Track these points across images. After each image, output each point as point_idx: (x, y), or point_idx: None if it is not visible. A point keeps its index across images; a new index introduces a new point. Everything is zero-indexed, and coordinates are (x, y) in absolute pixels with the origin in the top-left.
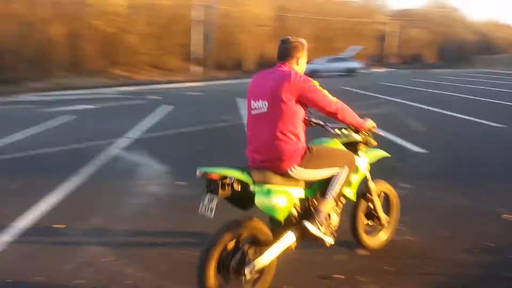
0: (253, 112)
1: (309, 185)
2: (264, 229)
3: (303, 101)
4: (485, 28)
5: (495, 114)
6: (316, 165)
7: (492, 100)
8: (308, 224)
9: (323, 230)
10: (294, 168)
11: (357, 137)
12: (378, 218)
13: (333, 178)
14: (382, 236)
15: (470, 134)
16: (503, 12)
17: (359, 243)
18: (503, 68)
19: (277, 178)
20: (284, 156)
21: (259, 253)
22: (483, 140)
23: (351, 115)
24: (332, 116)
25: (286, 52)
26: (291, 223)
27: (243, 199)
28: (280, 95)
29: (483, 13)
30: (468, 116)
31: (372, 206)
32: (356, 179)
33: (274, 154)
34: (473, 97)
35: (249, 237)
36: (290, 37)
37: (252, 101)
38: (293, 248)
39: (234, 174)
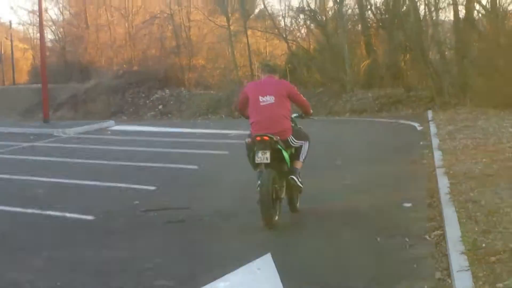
0: (261, 103)
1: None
2: (278, 181)
3: (291, 97)
4: None
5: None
6: (296, 137)
7: None
8: (293, 177)
9: (299, 180)
10: (290, 137)
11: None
12: None
13: (302, 147)
14: None
15: None
16: None
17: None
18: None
19: (277, 144)
20: (286, 129)
21: (281, 191)
22: None
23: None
24: (307, 106)
25: (275, 69)
26: (285, 177)
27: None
28: (283, 93)
29: None
30: None
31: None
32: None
33: (279, 128)
34: None
35: (277, 184)
36: (269, 61)
37: (260, 96)
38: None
39: (274, 137)
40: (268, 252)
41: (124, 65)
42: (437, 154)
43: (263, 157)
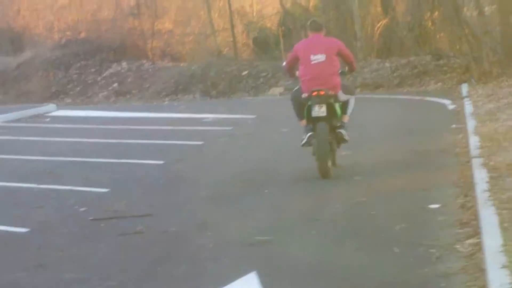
0: (313, 62)
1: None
2: (330, 134)
3: (341, 54)
4: None
5: None
6: (345, 92)
7: None
8: (341, 131)
9: (346, 133)
10: (340, 92)
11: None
12: None
13: (349, 102)
14: None
15: None
16: None
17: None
18: None
19: (331, 98)
20: (336, 85)
21: (333, 143)
22: None
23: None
24: (353, 62)
25: (321, 26)
26: (334, 131)
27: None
28: (334, 50)
29: None
30: None
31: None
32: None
33: (331, 84)
34: None
35: (330, 137)
36: (315, 18)
37: (311, 55)
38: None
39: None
40: (253, 270)
41: (68, 32)
42: (474, 140)
43: (319, 110)
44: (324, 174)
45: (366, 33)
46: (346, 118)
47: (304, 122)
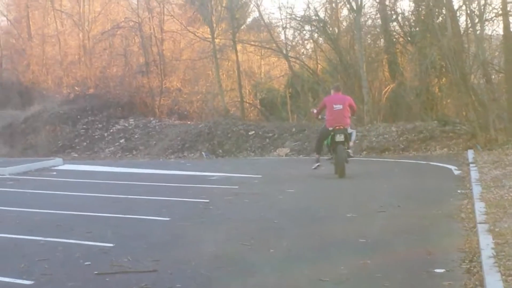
0: (335, 109)
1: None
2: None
3: (350, 105)
4: None
5: None
6: (351, 127)
7: None
8: (348, 150)
9: (352, 152)
10: (349, 127)
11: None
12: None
13: (353, 133)
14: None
15: None
16: None
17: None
18: None
19: (346, 131)
20: (348, 123)
21: (347, 157)
22: None
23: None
24: (355, 109)
25: (340, 88)
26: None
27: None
28: (347, 103)
29: None
30: None
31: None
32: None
33: (345, 122)
34: None
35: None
36: (338, 83)
37: (334, 105)
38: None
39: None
40: None
41: (77, 87)
42: (479, 206)
43: (340, 137)
44: (342, 175)
45: (373, 97)
46: (352, 143)
47: (318, 156)
